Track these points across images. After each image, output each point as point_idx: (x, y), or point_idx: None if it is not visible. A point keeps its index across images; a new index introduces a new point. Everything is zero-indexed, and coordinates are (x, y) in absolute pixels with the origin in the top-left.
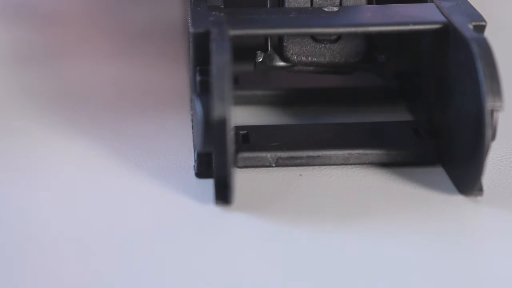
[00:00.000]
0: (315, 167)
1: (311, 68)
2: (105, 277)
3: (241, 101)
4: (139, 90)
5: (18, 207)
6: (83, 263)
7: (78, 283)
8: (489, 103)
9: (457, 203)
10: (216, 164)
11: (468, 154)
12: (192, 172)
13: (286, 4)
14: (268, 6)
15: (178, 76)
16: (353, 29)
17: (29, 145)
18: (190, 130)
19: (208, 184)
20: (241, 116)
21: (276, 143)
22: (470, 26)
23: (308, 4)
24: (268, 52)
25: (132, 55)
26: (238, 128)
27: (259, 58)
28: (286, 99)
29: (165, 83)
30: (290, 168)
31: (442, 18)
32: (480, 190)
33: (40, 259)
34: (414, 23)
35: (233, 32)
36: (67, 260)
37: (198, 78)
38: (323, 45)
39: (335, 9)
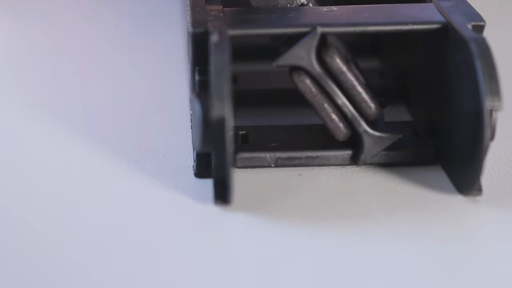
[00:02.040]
0: (315, 167)
1: None
2: (104, 276)
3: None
4: (138, 89)
5: (17, 207)
6: (82, 261)
7: (75, 282)
8: (488, 103)
9: (456, 203)
10: (215, 164)
11: (467, 154)
12: (191, 172)
13: None
14: None
15: (177, 76)
16: (351, 29)
17: (28, 144)
18: (190, 130)
19: (207, 184)
20: (241, 116)
21: (276, 143)
22: (469, 26)
23: None
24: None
25: (131, 55)
26: (237, 128)
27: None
28: (286, 99)
29: (164, 83)
30: (289, 168)
31: (441, 18)
32: (479, 190)
33: (40, 259)
34: (413, 23)
35: (233, 32)
36: (65, 259)
37: (197, 78)
38: None
39: (335, 8)
